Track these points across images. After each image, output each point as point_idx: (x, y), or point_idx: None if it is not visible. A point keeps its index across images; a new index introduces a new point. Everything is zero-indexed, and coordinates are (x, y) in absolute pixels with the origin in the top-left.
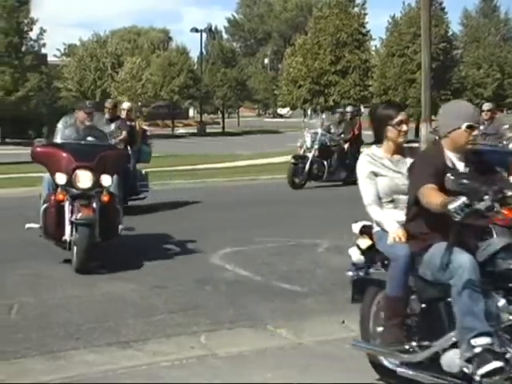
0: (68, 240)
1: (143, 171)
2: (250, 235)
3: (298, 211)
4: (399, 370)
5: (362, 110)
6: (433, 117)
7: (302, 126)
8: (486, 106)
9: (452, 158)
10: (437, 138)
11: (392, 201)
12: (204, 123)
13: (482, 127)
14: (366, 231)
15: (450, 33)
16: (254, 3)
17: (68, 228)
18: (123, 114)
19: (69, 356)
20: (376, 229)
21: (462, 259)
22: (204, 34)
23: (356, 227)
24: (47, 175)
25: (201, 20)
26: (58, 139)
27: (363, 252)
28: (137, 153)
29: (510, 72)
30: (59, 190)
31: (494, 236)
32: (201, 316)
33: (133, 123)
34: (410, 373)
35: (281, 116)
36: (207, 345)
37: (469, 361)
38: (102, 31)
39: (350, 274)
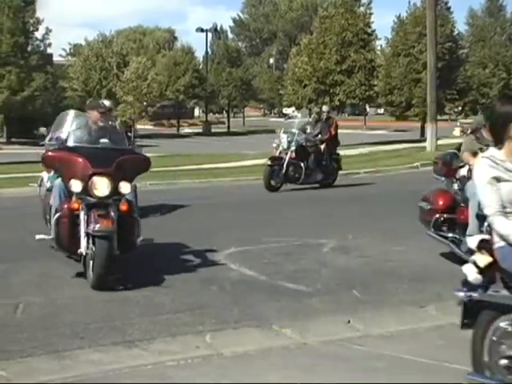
0: (84, 253)
1: None
2: (256, 235)
3: (304, 211)
4: None
5: (368, 109)
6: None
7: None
8: None
9: None
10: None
11: None
12: (209, 123)
13: None
14: (485, 246)
15: (456, 32)
16: (259, 3)
17: (84, 240)
18: None
19: (74, 355)
20: (499, 244)
21: None
22: (209, 34)
23: (473, 241)
24: (58, 181)
25: (206, 20)
26: (70, 142)
27: (481, 271)
28: None
29: None
30: (74, 198)
31: None
32: (206, 315)
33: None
34: None
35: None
36: (212, 344)
37: None
38: (108, 31)
39: (462, 294)
